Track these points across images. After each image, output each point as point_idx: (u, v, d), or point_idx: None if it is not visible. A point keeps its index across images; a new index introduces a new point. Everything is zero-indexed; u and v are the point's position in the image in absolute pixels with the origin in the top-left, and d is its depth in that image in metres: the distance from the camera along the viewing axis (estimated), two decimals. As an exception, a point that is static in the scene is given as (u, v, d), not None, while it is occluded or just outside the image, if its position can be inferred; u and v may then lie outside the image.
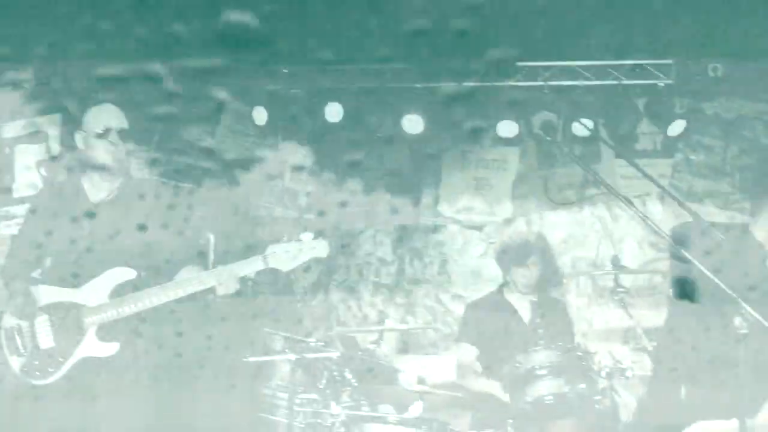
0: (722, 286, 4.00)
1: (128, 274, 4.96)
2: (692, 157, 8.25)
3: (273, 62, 8.23)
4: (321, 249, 4.94)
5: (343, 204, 8.63)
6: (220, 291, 4.89)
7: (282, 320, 8.28)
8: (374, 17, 7.16)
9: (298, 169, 8.69)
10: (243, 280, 5.09)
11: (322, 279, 8.55)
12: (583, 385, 5.63)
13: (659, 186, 7.65)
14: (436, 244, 8.58)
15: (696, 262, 4.10)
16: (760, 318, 3.88)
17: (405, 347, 8.32)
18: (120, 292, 4.92)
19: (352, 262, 8.61)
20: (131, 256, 4.98)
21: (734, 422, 4.26)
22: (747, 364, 3.91)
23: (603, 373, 5.69)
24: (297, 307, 8.50)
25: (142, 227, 5.04)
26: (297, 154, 8.68)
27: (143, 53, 8.13)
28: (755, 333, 3.87)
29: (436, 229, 8.59)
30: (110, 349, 4.90)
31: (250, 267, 4.94)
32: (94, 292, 4.93)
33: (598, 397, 5.63)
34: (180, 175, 8.23)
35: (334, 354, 6.36)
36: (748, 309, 3.86)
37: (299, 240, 4.93)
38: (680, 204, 7.22)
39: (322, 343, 6.51)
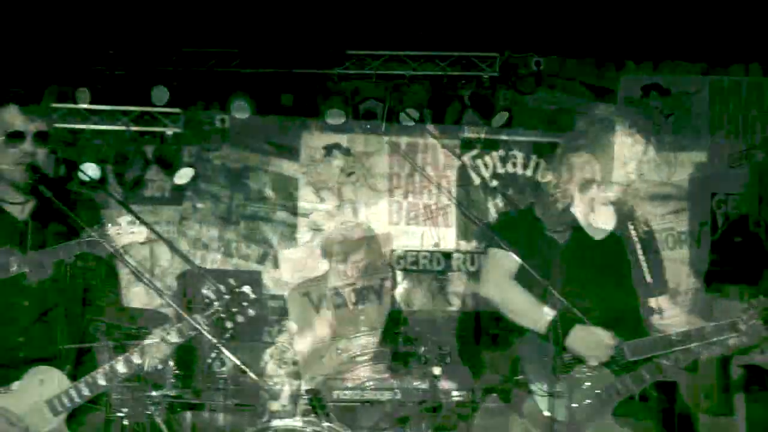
0: (534, 274, 4.12)
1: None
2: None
3: (99, 42, 8.04)
4: (139, 233, 4.80)
5: (169, 189, 8.50)
6: (32, 276, 4.68)
7: (104, 307, 8.10)
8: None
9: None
10: (61, 265, 4.89)
11: (145, 264, 8.39)
12: (404, 371, 5.71)
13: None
14: (262, 231, 8.55)
15: (507, 247, 4.21)
16: (567, 303, 4.01)
17: (230, 334, 8.25)
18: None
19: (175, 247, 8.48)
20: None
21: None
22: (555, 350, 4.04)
23: (424, 359, 5.78)
24: (120, 293, 8.31)
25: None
26: (122, 136, 8.49)
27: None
28: (563, 319, 4.02)
29: (263, 215, 8.55)
30: None
31: (66, 252, 4.74)
32: None
33: (418, 383, 5.70)
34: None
35: (156, 341, 6.24)
36: (557, 294, 3.99)
37: (117, 224, 4.78)
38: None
39: (145, 330, 6.38)
